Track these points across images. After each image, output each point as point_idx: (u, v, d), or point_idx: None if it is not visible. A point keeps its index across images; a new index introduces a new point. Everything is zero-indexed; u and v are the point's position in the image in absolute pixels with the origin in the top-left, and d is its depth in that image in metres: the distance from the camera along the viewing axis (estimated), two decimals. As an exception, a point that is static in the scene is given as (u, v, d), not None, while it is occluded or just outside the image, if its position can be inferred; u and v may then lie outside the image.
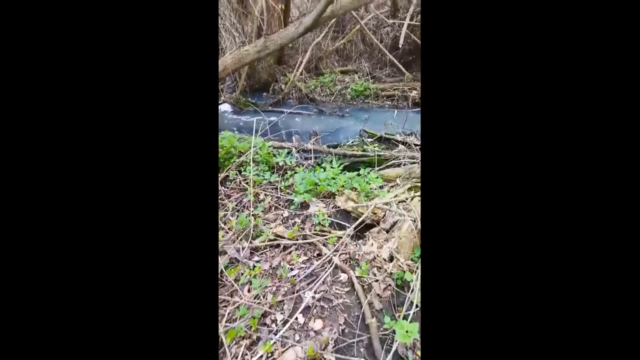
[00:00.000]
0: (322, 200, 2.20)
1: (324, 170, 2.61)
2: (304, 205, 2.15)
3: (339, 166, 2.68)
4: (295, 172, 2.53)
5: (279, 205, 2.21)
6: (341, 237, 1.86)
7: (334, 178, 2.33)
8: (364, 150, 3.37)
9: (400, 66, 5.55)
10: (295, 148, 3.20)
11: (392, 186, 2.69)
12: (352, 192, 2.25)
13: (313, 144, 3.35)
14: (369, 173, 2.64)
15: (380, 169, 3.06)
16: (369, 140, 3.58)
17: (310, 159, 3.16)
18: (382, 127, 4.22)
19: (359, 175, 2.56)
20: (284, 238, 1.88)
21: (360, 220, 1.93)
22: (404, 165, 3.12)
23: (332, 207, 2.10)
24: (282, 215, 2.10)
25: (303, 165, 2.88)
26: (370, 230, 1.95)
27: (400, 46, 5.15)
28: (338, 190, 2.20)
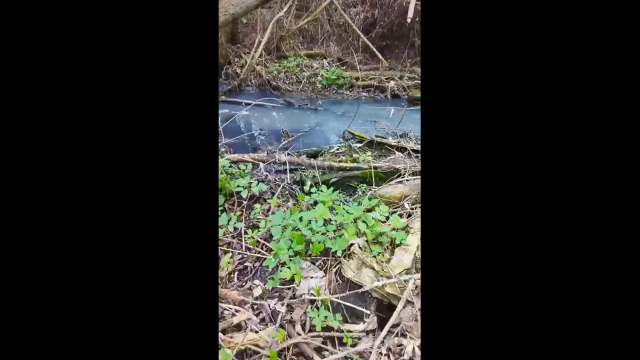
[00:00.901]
0: (315, 262, 1.39)
1: (313, 204, 1.79)
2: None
3: (333, 191, 1.88)
4: (267, 208, 1.67)
5: (245, 273, 1.34)
6: (361, 338, 1.09)
7: (330, 222, 1.52)
8: (354, 160, 2.60)
9: (378, 53, 4.83)
10: (264, 162, 2.30)
11: (409, 215, 1.99)
12: (364, 249, 1.47)
13: (288, 153, 2.47)
14: (370, 199, 1.89)
15: (379, 188, 2.35)
16: (357, 145, 2.81)
17: (285, 177, 2.29)
18: (366, 124, 3.48)
19: (360, 205, 1.79)
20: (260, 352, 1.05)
21: (395, 313, 1.16)
22: (406, 180, 2.44)
23: (336, 277, 1.31)
24: (251, 297, 1.24)
25: (277, 195, 2.01)
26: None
27: (408, 20, 4.41)
28: (346, 253, 1.38)
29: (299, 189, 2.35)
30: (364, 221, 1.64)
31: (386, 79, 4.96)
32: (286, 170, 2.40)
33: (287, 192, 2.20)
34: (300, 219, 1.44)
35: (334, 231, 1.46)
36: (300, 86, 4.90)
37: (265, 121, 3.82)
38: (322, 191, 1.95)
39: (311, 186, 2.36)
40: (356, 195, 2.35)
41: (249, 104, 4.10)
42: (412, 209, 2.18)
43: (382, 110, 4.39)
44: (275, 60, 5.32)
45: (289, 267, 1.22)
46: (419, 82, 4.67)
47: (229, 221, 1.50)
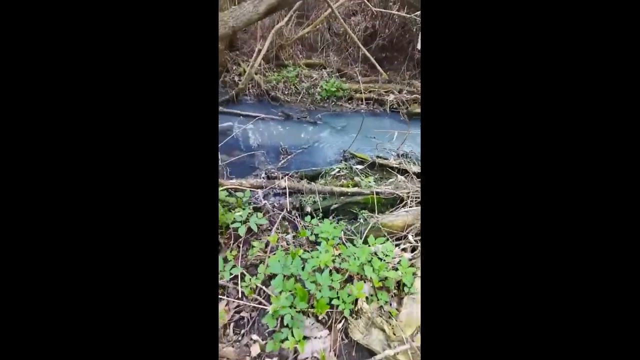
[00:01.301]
0: (319, 319, 1.30)
1: (314, 237, 1.71)
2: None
3: (335, 225, 1.80)
4: (264, 247, 1.58)
5: (242, 325, 1.25)
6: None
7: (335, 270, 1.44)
8: (355, 185, 2.52)
9: (377, 65, 4.77)
10: (262, 188, 2.20)
11: (413, 250, 1.92)
12: (371, 298, 1.38)
13: (289, 177, 2.38)
14: (375, 238, 1.82)
15: (383, 216, 2.27)
16: (358, 167, 2.74)
17: (284, 201, 2.20)
18: (365, 141, 3.41)
19: (366, 246, 1.71)
20: None
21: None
22: (409, 206, 2.38)
23: (342, 335, 1.22)
24: (249, 358, 1.15)
25: (277, 227, 1.91)
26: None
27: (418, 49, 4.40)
28: (354, 312, 1.30)
29: (299, 215, 2.26)
30: (370, 264, 1.56)
31: (385, 91, 4.91)
32: (286, 193, 2.30)
33: (287, 220, 2.11)
34: (303, 268, 1.35)
35: (340, 283, 1.38)
36: (299, 97, 4.82)
37: (263, 135, 3.72)
38: (323, 223, 1.86)
39: (311, 214, 2.28)
40: (357, 224, 2.27)
41: (246, 116, 3.99)
42: (416, 241, 2.11)
43: (381, 123, 4.33)
44: (275, 69, 5.22)
45: (290, 330, 1.13)
46: (418, 96, 4.63)
47: (224, 265, 1.41)
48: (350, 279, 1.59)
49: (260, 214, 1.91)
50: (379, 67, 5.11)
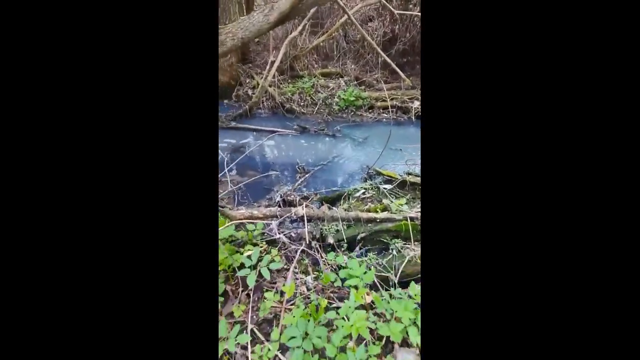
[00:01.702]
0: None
1: (337, 271, 1.37)
2: None
3: (365, 266, 1.45)
4: (280, 297, 1.25)
5: None
6: None
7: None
8: (384, 209, 2.16)
9: (399, 71, 4.43)
10: (277, 217, 1.89)
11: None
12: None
13: (307, 202, 2.06)
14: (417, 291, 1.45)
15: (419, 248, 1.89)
16: (386, 187, 2.37)
17: (302, 235, 1.87)
18: (390, 153, 3.04)
19: (409, 299, 1.35)
20: None
21: None
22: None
23: None
24: None
25: (293, 270, 1.58)
26: None
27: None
28: None
29: (320, 246, 1.92)
30: (415, 324, 1.19)
31: (409, 98, 4.53)
32: (304, 235, 1.98)
33: (306, 254, 1.78)
34: (328, 340, 1.01)
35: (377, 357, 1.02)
36: (316, 108, 4.54)
37: (279, 151, 3.45)
38: (350, 264, 1.51)
39: (335, 246, 1.93)
40: (390, 256, 1.90)
41: (260, 131, 3.76)
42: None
43: (407, 132, 3.95)
44: (289, 81, 5.01)
45: None
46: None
47: (230, 327, 1.09)
48: (389, 344, 1.22)
49: (274, 251, 1.59)
50: (400, 73, 4.77)
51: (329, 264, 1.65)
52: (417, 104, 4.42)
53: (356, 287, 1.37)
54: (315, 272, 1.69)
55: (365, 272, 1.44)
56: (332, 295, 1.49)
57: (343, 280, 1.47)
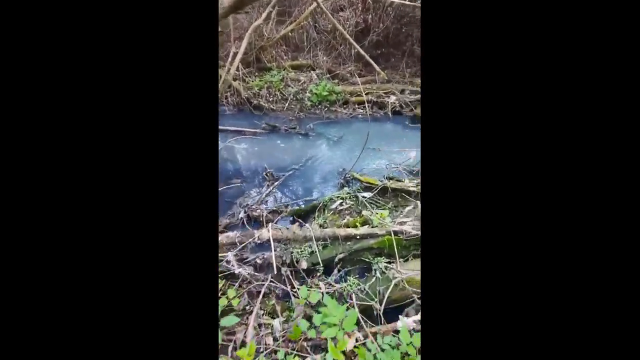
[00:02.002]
0: None
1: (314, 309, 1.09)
2: None
3: (344, 312, 1.18)
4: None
5: None
6: None
7: None
8: (364, 222, 1.88)
9: (374, 63, 4.17)
10: (236, 244, 1.54)
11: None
12: None
13: (275, 222, 1.73)
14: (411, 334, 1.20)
15: (406, 269, 1.64)
16: (366, 196, 2.10)
17: (269, 260, 1.55)
18: (368, 153, 2.78)
19: (396, 350, 1.09)
20: None
21: None
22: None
23: None
24: None
25: (253, 327, 1.27)
26: None
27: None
28: None
29: (291, 273, 1.61)
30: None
31: (385, 93, 4.30)
32: (271, 247, 1.65)
33: (272, 293, 1.46)
34: None
35: None
36: (286, 104, 4.18)
37: (244, 154, 3.06)
38: (328, 305, 1.22)
39: (309, 272, 1.63)
40: (373, 279, 1.63)
41: (223, 131, 3.33)
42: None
43: (383, 129, 3.72)
44: (256, 74, 4.58)
45: None
46: (424, 97, 4.05)
47: None
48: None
49: (232, 292, 1.25)
50: (375, 66, 4.51)
51: (300, 301, 1.35)
52: (393, 98, 4.21)
53: (334, 339, 1.08)
54: (284, 311, 1.38)
55: (347, 317, 1.16)
56: (305, 345, 1.20)
57: (318, 328, 1.18)
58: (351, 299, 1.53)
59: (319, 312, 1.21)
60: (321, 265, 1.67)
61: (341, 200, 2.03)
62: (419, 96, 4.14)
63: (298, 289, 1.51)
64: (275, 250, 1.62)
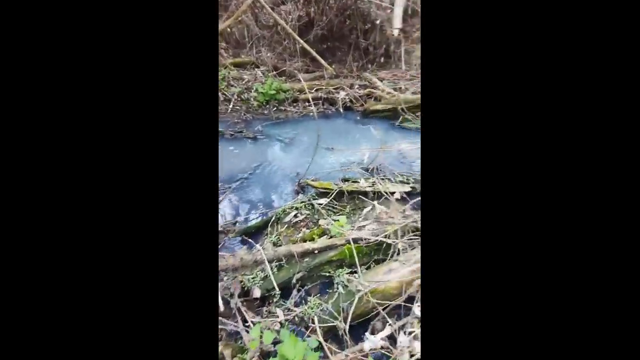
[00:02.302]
0: None
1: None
2: None
3: (305, 349, 1.01)
4: None
5: None
6: None
7: None
8: (322, 233, 1.74)
9: (320, 59, 4.04)
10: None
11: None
12: None
13: (221, 243, 1.49)
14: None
15: (369, 278, 1.53)
16: (321, 203, 1.95)
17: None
18: (320, 154, 2.64)
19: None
20: None
21: None
22: (403, 250, 1.68)
23: None
24: None
25: None
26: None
27: (395, 32, 3.70)
28: None
29: (243, 305, 1.40)
30: None
31: (334, 88, 4.20)
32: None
33: (222, 332, 1.24)
34: None
35: None
36: (230, 105, 3.85)
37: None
38: (285, 343, 1.04)
39: (263, 303, 1.43)
40: (336, 295, 1.50)
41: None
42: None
43: (335, 125, 3.62)
44: (193, 74, 4.14)
45: None
46: (373, 91, 4.02)
47: None
48: None
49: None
50: (322, 61, 4.39)
51: (252, 345, 1.15)
52: (342, 94, 4.12)
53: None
54: (235, 356, 1.17)
55: (310, 351, 0.99)
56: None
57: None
58: (313, 322, 1.38)
59: (275, 354, 1.03)
60: (277, 290, 1.48)
61: (296, 212, 1.85)
62: (368, 90, 4.11)
63: (252, 322, 1.31)
64: (221, 281, 1.39)
